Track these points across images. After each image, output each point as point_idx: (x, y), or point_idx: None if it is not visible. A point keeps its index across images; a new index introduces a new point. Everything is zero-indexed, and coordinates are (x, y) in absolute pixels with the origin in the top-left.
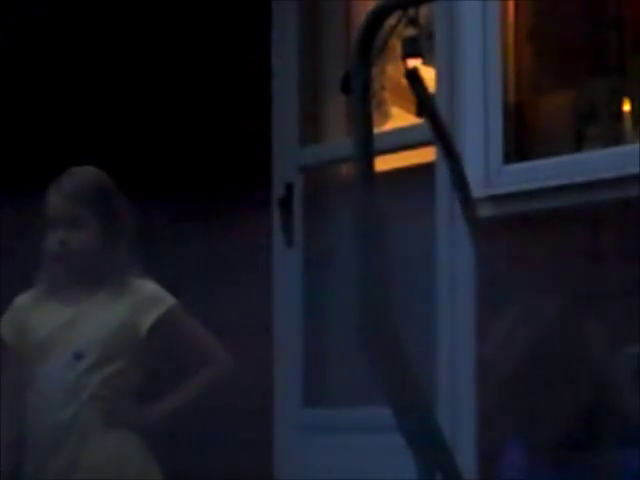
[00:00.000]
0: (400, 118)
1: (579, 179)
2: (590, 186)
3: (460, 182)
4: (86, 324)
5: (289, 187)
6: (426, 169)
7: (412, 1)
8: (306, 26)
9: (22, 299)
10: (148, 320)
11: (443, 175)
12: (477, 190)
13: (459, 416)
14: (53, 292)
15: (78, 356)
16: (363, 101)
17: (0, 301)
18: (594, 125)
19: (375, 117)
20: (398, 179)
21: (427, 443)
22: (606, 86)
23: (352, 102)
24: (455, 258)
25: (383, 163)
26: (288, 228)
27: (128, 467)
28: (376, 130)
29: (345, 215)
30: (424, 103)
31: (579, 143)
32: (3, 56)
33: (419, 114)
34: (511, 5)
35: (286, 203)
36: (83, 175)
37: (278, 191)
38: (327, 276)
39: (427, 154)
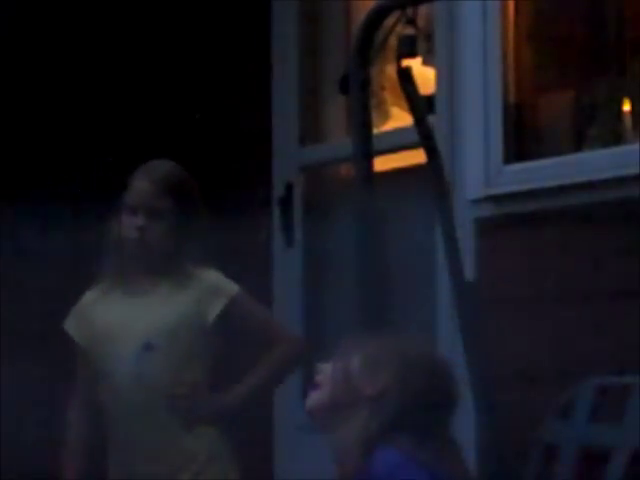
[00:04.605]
0: (400, 118)
1: (579, 179)
2: (590, 186)
3: (439, 183)
4: (153, 315)
5: (289, 187)
6: (426, 169)
7: (411, 1)
8: (306, 26)
9: (89, 295)
10: (214, 310)
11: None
12: (477, 190)
13: (459, 416)
14: (117, 283)
15: (147, 347)
16: (361, 100)
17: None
18: (594, 125)
19: (375, 117)
20: (398, 179)
21: None
22: (606, 86)
23: (350, 102)
24: None
25: (383, 163)
26: (288, 228)
27: (210, 464)
28: (376, 130)
29: (345, 215)
30: (413, 102)
31: (579, 143)
32: (7, 57)
33: None
34: (511, 5)
35: (286, 203)
36: (170, 167)
37: (278, 191)
38: (327, 276)
39: None
